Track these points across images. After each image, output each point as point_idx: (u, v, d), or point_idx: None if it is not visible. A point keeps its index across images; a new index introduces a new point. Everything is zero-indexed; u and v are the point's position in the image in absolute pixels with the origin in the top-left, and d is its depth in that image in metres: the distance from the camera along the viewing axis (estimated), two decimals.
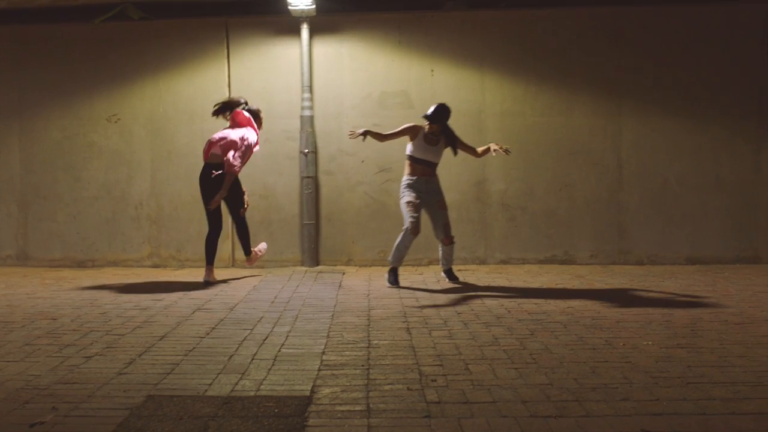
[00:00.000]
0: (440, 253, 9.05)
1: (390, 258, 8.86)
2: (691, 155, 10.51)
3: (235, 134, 9.02)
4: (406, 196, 8.72)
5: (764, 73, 10.42)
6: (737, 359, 5.49)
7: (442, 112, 8.75)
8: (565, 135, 10.55)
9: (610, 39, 10.53)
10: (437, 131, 8.76)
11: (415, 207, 8.64)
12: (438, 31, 10.58)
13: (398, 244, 8.70)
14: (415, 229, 8.60)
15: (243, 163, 8.98)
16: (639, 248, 10.55)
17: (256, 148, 9.21)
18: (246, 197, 9.34)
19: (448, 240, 8.87)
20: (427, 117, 8.73)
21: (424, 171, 8.78)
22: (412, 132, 8.81)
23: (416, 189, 8.75)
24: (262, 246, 9.79)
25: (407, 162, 8.82)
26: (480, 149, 8.99)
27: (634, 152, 10.53)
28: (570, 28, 10.56)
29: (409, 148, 8.81)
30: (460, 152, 8.99)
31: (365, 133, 8.68)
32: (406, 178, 8.80)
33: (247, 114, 9.19)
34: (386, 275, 8.97)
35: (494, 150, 8.84)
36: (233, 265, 10.65)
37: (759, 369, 5.23)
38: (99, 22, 10.61)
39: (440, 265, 9.18)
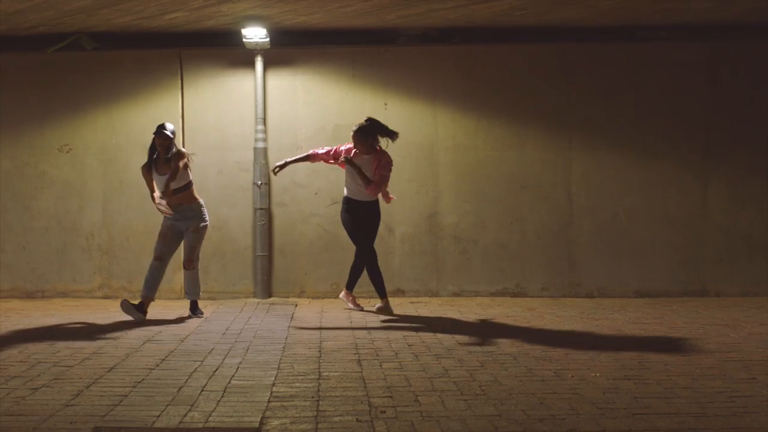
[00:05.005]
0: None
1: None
2: (639, 190, 10.67)
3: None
4: (161, 226, 9.01)
5: (710, 109, 10.64)
6: (683, 390, 5.58)
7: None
8: (516, 169, 10.66)
9: (561, 74, 10.69)
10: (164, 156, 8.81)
11: (160, 236, 8.94)
12: (392, 66, 10.67)
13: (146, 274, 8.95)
14: (156, 255, 8.88)
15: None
16: (589, 281, 10.66)
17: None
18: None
19: (188, 263, 8.95)
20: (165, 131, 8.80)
21: (178, 199, 8.83)
22: (145, 173, 8.93)
23: (172, 218, 8.87)
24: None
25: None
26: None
27: (584, 186, 10.67)
28: (522, 63, 10.70)
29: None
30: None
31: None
32: None
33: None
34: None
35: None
36: (185, 297, 10.56)
37: (704, 400, 5.32)
38: (52, 52, 10.55)
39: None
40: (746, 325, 8.40)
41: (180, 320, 8.77)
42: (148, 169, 8.88)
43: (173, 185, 8.63)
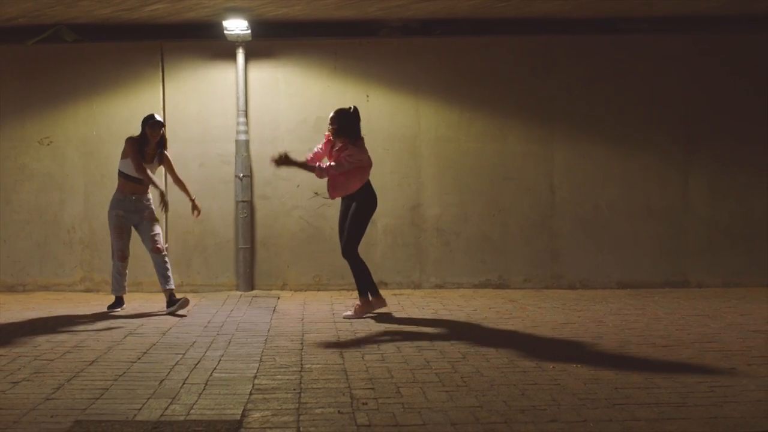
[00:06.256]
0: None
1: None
2: (621, 181, 10.70)
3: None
4: (113, 219, 8.82)
5: (691, 101, 10.67)
6: (663, 381, 5.61)
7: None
8: (498, 161, 10.67)
9: (543, 66, 10.70)
10: (155, 148, 8.81)
11: (120, 232, 8.80)
12: (374, 58, 10.65)
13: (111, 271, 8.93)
14: (121, 255, 8.81)
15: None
16: (571, 273, 10.69)
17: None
18: None
19: (158, 248, 8.79)
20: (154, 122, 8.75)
21: (134, 189, 8.81)
22: (130, 148, 8.72)
23: (124, 208, 8.77)
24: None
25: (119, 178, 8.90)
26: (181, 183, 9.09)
27: (566, 178, 10.69)
28: (504, 56, 10.71)
29: (121, 164, 8.85)
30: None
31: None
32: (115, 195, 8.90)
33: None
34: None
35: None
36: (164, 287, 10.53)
37: (683, 390, 5.35)
38: (32, 44, 10.49)
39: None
40: (727, 315, 8.44)
41: (162, 313, 8.73)
42: (138, 153, 8.70)
43: (148, 176, 8.70)
